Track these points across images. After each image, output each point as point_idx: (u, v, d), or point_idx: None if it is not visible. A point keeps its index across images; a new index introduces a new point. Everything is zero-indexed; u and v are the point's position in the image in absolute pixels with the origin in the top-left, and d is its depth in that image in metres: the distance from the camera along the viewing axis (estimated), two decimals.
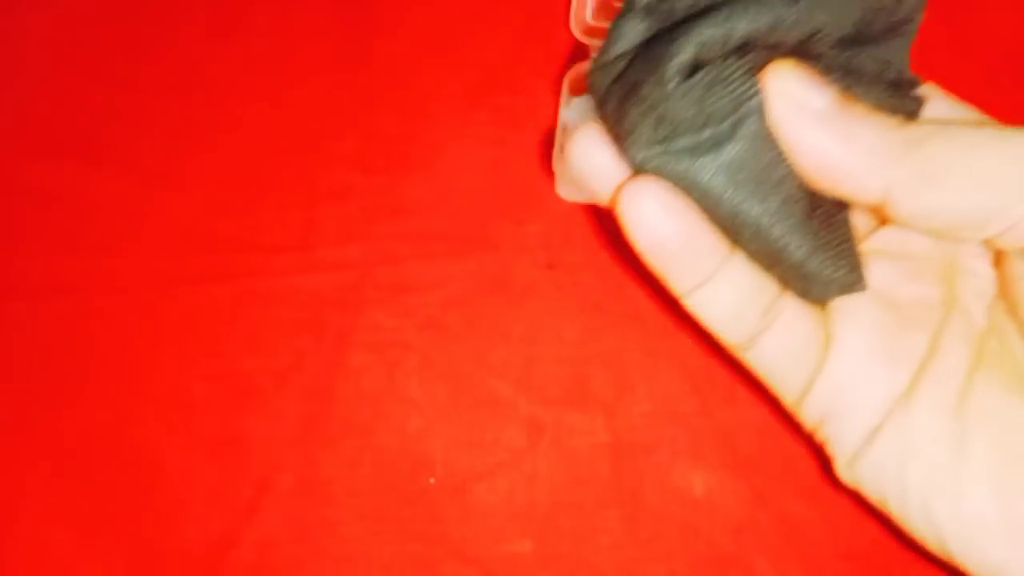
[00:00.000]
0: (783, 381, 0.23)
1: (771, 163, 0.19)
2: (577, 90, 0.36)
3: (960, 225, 0.19)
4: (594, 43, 0.36)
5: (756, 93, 0.19)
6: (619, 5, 0.36)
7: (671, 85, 0.19)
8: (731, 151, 0.19)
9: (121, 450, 0.32)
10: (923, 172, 0.19)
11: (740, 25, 0.19)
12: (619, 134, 0.20)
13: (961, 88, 0.37)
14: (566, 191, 0.35)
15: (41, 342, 0.34)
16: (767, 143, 0.19)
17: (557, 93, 0.36)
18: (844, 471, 0.23)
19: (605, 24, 0.36)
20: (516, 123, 0.36)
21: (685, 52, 0.19)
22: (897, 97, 0.21)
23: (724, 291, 0.21)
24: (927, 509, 0.21)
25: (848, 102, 0.19)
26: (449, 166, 0.36)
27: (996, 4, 0.38)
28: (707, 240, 0.20)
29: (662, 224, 0.20)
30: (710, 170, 0.19)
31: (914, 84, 0.21)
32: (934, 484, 0.21)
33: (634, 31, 0.21)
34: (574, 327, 0.33)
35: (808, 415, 0.23)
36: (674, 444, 0.32)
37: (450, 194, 0.35)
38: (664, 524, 0.31)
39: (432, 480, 0.32)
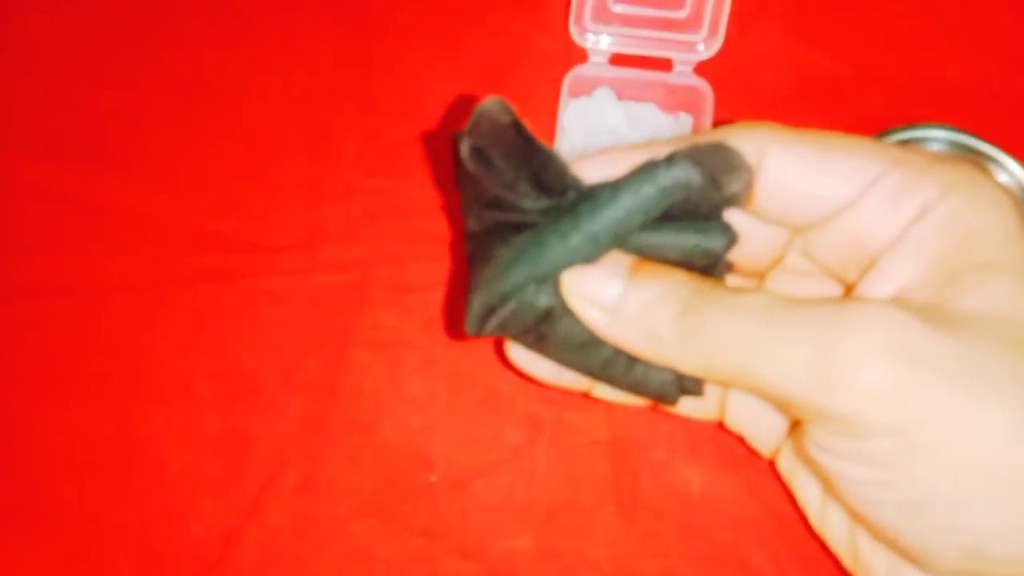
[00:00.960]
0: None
1: (587, 339, 0.23)
2: (577, 92, 0.36)
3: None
4: (593, 45, 0.37)
5: (552, 304, 0.22)
6: (616, 10, 0.37)
7: (476, 327, 0.23)
8: (551, 343, 0.23)
9: (125, 448, 0.32)
10: (704, 361, 0.21)
11: (512, 279, 0.22)
12: (467, 294, 0.24)
13: (961, 88, 0.38)
14: None
15: (45, 342, 0.34)
16: (577, 328, 0.22)
17: (557, 95, 0.36)
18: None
19: (604, 27, 0.36)
20: None
21: (475, 306, 0.23)
22: (708, 236, 0.22)
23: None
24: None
25: (641, 271, 0.22)
26: (449, 168, 0.36)
27: (996, 4, 0.38)
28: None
29: (532, 369, 0.25)
30: (543, 352, 0.24)
31: (725, 228, 0.22)
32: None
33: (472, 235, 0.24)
34: None
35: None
36: (671, 441, 0.32)
37: (451, 195, 0.36)
38: (661, 520, 0.31)
39: (433, 477, 0.32)
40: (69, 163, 0.36)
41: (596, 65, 0.37)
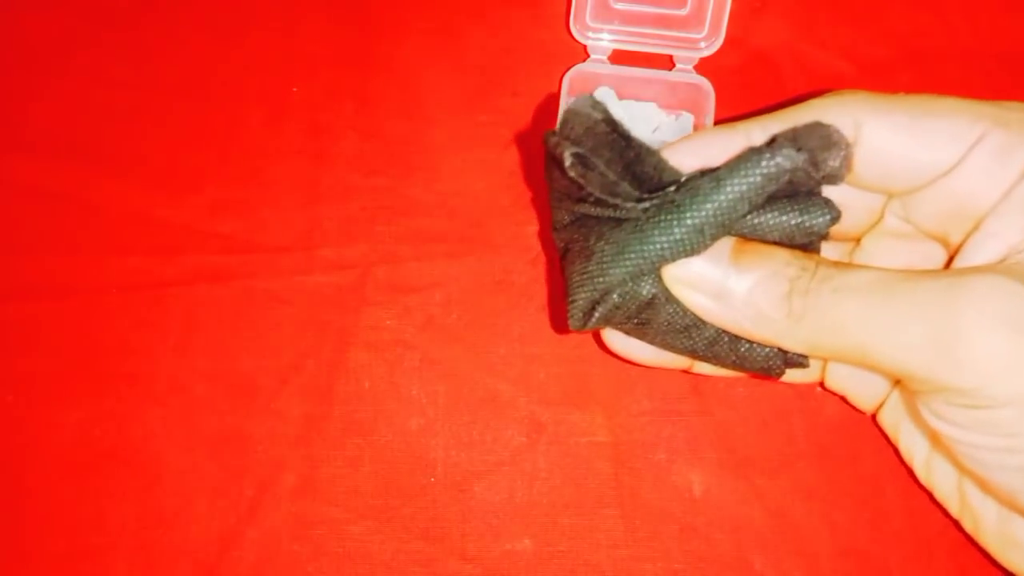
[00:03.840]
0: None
1: (691, 322, 0.23)
2: (577, 90, 0.36)
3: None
4: (593, 43, 0.36)
5: (655, 292, 0.22)
6: (617, 7, 0.37)
7: (581, 322, 0.24)
8: (654, 329, 0.23)
9: (122, 449, 0.32)
10: (815, 340, 0.21)
11: (616, 274, 0.22)
12: (567, 290, 0.24)
13: (961, 88, 0.37)
14: None
15: (41, 342, 0.34)
16: (680, 313, 0.23)
17: (557, 93, 0.36)
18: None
19: (604, 25, 0.36)
20: (516, 124, 0.37)
21: (580, 302, 0.23)
22: (809, 215, 0.21)
23: None
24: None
25: (743, 254, 0.21)
26: (449, 167, 0.36)
27: (997, 4, 0.38)
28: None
29: (633, 354, 0.26)
30: (644, 337, 0.24)
31: (826, 205, 0.22)
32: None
33: (565, 217, 0.25)
34: None
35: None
36: (672, 443, 0.32)
37: (450, 195, 0.35)
38: (663, 523, 0.31)
39: (432, 479, 0.32)
40: (66, 162, 0.36)
41: (597, 63, 0.36)
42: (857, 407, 0.28)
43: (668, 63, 0.36)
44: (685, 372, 0.28)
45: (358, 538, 0.31)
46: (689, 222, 0.21)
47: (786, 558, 0.30)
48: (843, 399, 0.30)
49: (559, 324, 0.33)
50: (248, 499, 0.31)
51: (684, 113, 0.36)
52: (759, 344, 0.23)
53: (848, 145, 0.21)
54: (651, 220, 0.21)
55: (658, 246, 0.21)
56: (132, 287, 0.34)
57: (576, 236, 0.23)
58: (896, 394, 0.27)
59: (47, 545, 0.31)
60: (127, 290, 0.34)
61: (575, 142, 0.22)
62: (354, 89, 0.37)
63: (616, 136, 0.22)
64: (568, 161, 0.21)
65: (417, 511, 0.31)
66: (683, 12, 0.35)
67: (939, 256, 0.24)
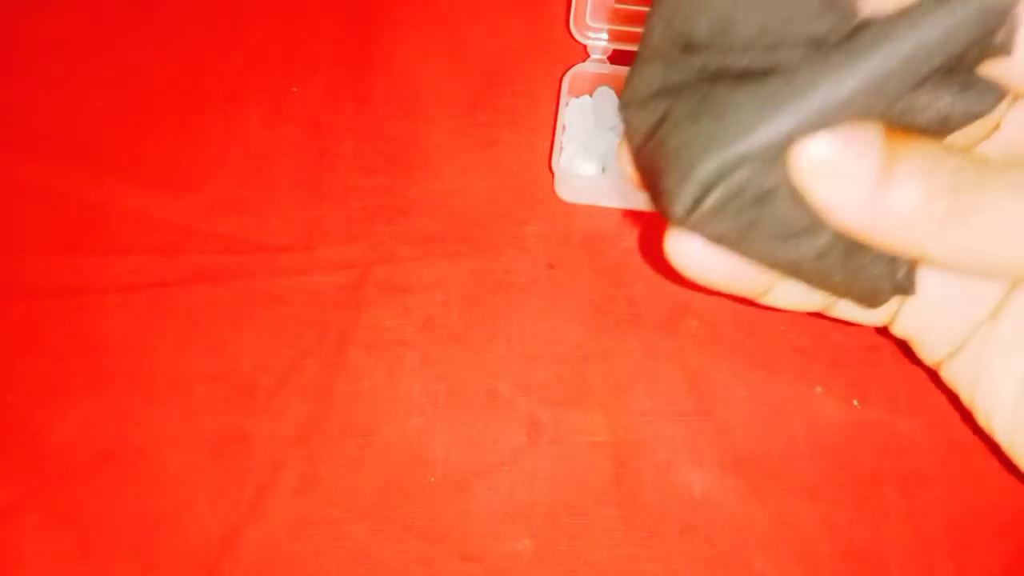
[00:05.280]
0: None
1: (807, 225, 0.18)
2: (577, 90, 0.36)
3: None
4: (593, 43, 0.36)
5: (777, 182, 0.17)
6: (616, 6, 0.36)
7: (689, 206, 0.18)
8: (759, 233, 0.18)
9: (122, 449, 0.32)
10: (979, 245, 0.18)
11: (756, 138, 0.17)
12: (656, 190, 0.19)
13: None
14: (566, 191, 0.35)
15: (41, 342, 0.34)
16: (797, 213, 0.18)
17: (557, 93, 0.36)
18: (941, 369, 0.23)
19: (604, 25, 0.36)
20: (516, 124, 0.37)
21: (700, 174, 0.17)
22: (969, 94, 0.18)
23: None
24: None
25: (895, 142, 0.17)
26: (449, 167, 0.36)
27: None
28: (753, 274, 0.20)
29: (709, 269, 0.20)
30: (739, 245, 0.19)
31: (989, 83, 0.18)
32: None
33: (654, 79, 0.19)
34: (574, 327, 0.34)
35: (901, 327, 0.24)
36: (673, 443, 0.32)
37: (450, 194, 0.35)
38: (663, 523, 0.31)
39: (432, 479, 0.32)
40: (67, 162, 0.36)
41: (596, 63, 0.36)
42: (922, 356, 0.25)
43: None
44: (747, 303, 0.23)
45: (358, 538, 0.31)
46: (869, 72, 0.16)
47: (786, 558, 0.30)
48: (904, 346, 0.26)
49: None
50: (248, 499, 0.31)
51: None
52: (875, 260, 0.19)
53: (1017, 10, 0.16)
54: (814, 66, 0.16)
55: (820, 104, 0.16)
56: (132, 287, 0.34)
57: (682, 99, 0.18)
58: (978, 340, 0.24)
59: (47, 545, 0.31)
60: (127, 290, 0.34)
61: None
62: (354, 89, 0.37)
63: None
64: None
65: (417, 511, 0.31)
66: None
67: None
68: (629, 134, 0.20)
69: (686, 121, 0.17)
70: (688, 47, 0.18)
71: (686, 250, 0.20)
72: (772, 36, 0.17)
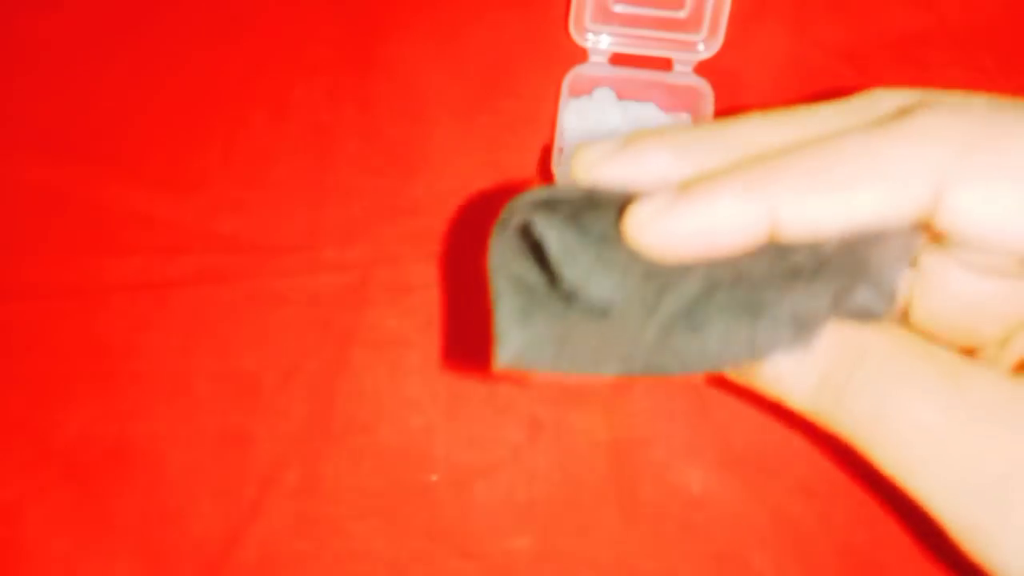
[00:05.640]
0: None
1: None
2: (577, 91, 0.36)
3: None
4: (593, 46, 0.37)
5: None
6: (617, 10, 0.37)
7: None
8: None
9: (125, 448, 0.32)
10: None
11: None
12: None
13: (962, 88, 0.37)
14: None
15: (45, 341, 0.34)
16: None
17: (557, 95, 0.36)
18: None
19: (604, 27, 0.36)
20: (516, 125, 0.37)
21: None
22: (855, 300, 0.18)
23: None
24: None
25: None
26: (450, 168, 0.36)
27: (996, 4, 0.38)
28: None
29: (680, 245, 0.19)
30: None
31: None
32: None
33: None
34: None
35: None
36: (671, 441, 0.32)
37: (451, 195, 0.36)
38: (662, 520, 0.31)
39: (433, 477, 0.32)
40: (69, 163, 0.37)
41: (596, 65, 0.37)
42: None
43: (667, 65, 0.37)
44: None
45: (360, 536, 0.31)
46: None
47: (785, 557, 0.31)
48: None
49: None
50: (251, 497, 0.32)
51: (683, 115, 0.37)
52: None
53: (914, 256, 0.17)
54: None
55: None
56: (135, 287, 0.34)
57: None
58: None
59: (51, 543, 0.32)
60: (130, 290, 0.34)
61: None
62: (356, 90, 0.37)
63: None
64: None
65: (418, 509, 0.31)
66: (682, 15, 0.36)
67: None
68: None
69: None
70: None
71: (649, 243, 0.19)
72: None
